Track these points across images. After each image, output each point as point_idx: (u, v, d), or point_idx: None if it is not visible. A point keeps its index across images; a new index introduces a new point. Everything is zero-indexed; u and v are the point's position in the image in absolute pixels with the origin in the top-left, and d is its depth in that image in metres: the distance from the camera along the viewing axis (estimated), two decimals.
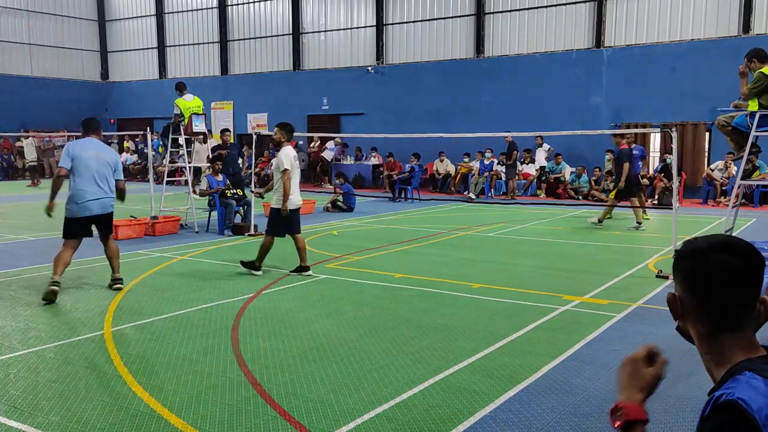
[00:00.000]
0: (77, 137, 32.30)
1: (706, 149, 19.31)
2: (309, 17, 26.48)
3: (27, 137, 27.10)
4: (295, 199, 8.46)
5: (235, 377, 4.82)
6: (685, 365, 5.03)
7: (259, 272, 8.52)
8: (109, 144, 31.80)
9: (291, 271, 8.54)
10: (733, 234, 8.49)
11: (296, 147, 25.22)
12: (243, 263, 8.62)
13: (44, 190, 22.34)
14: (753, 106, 7.18)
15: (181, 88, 13.09)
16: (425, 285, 7.93)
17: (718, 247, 1.54)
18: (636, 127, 19.06)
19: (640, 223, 12.93)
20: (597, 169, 18.94)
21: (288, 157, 8.36)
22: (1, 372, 5.00)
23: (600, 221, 13.10)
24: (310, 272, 8.47)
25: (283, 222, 8.42)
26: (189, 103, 12.91)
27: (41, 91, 29.80)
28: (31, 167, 26.67)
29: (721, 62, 18.20)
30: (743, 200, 14.28)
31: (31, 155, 26.95)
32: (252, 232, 11.90)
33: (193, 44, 29.90)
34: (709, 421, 1.41)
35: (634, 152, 13.49)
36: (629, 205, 13.17)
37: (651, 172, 19.23)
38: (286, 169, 8.26)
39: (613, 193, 13.26)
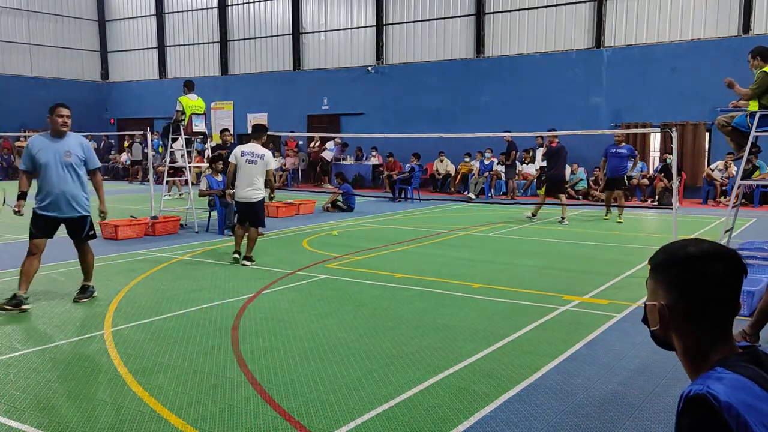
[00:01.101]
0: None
1: (706, 149, 19.31)
2: (309, 17, 26.49)
3: None
4: (239, 192, 9.23)
5: (235, 377, 4.82)
6: None
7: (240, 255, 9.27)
8: (110, 144, 31.85)
9: (242, 264, 9.15)
10: (733, 234, 8.50)
11: (296, 147, 25.37)
12: (244, 265, 9.10)
13: None
14: (753, 106, 7.18)
15: (189, 86, 13.20)
16: (425, 285, 7.93)
17: (711, 256, 1.56)
18: (636, 127, 19.07)
19: (564, 218, 13.96)
20: (597, 169, 18.95)
21: (234, 153, 9.41)
22: (1, 372, 5.00)
23: (534, 215, 14.40)
24: (254, 262, 9.18)
25: (237, 211, 9.51)
26: (192, 102, 12.99)
27: (41, 91, 29.78)
28: None
29: (721, 62, 18.19)
30: (743, 200, 14.27)
31: None
32: None
33: (193, 44, 29.91)
34: (683, 418, 1.44)
35: (621, 151, 13.88)
36: (558, 202, 14.10)
37: (651, 172, 19.25)
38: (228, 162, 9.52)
39: (542, 190, 14.21)
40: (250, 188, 9.13)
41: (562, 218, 13.88)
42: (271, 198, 9.58)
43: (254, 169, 9.14)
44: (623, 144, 14.05)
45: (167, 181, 14.31)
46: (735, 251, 1.57)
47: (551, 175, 13.96)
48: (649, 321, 1.66)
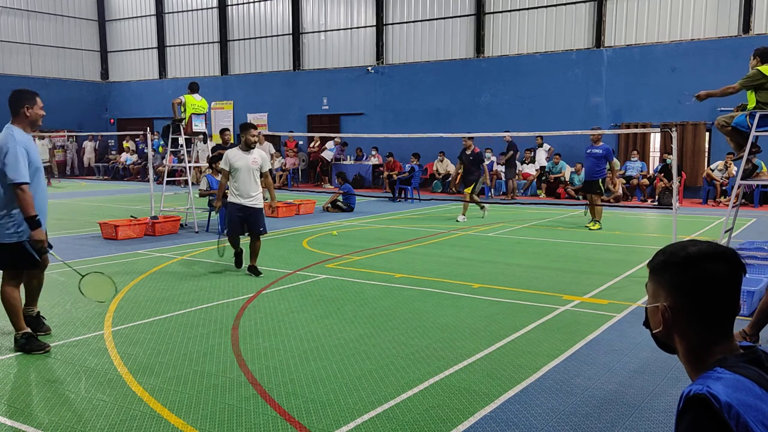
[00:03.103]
0: (77, 137, 31.92)
1: (706, 149, 19.31)
2: (309, 17, 26.49)
3: (42, 137, 26.98)
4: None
5: (235, 377, 4.82)
6: None
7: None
8: (108, 144, 31.81)
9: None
10: (733, 234, 8.50)
11: (296, 147, 25.38)
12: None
13: (53, 190, 22.43)
14: (751, 100, 7.20)
15: (193, 87, 13.25)
16: (425, 285, 7.93)
17: (710, 255, 1.56)
18: (636, 127, 19.08)
19: (464, 216, 14.44)
20: None
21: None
22: (1, 372, 5.00)
23: (463, 215, 14.41)
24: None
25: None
26: (196, 101, 13.04)
27: (41, 91, 28.91)
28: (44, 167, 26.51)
29: (721, 62, 18.21)
30: (743, 200, 14.26)
31: (44, 155, 26.65)
32: None
33: (193, 44, 29.91)
34: (683, 417, 1.44)
35: (596, 151, 12.81)
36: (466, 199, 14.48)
37: (651, 172, 19.25)
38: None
39: (469, 189, 14.47)
40: None
41: (463, 215, 14.46)
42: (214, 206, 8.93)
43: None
44: (600, 144, 12.87)
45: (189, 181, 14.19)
46: (733, 250, 1.58)
47: (477, 177, 14.50)
48: (651, 324, 1.66)
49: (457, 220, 14.23)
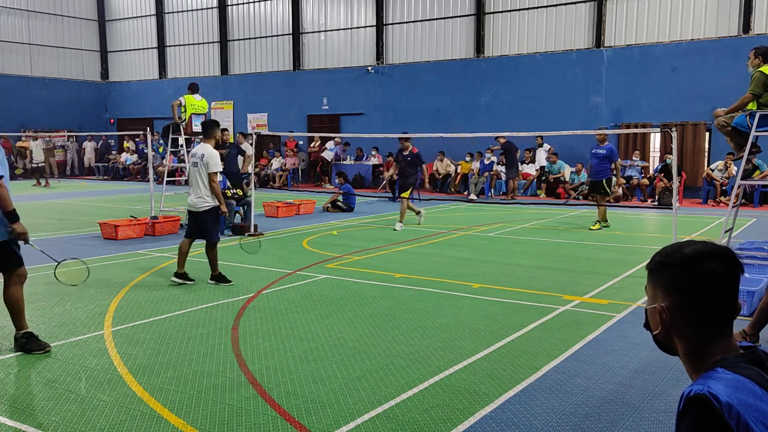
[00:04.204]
0: (77, 137, 31.85)
1: (706, 149, 19.31)
2: (309, 17, 26.49)
3: (36, 138, 26.93)
4: (188, 199, 8.24)
5: (235, 377, 4.82)
6: None
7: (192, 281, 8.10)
8: (108, 144, 31.80)
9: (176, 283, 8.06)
10: (733, 234, 8.50)
11: (296, 147, 25.38)
12: (209, 283, 8.12)
13: (53, 190, 22.45)
14: (752, 105, 7.19)
15: (193, 88, 13.23)
16: (425, 285, 7.93)
17: (706, 255, 1.56)
18: (636, 127, 19.08)
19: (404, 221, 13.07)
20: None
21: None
22: (1, 372, 5.00)
23: (400, 222, 12.97)
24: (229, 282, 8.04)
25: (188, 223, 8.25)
26: (195, 101, 13.03)
27: (41, 91, 29.81)
28: (38, 168, 26.49)
29: (721, 62, 18.22)
30: (743, 200, 14.25)
31: (39, 156, 26.61)
32: (252, 231, 11.91)
33: (193, 44, 29.91)
34: (683, 418, 1.44)
35: (600, 151, 12.69)
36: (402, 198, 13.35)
37: (651, 172, 19.25)
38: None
39: (406, 194, 13.12)
40: (193, 195, 8.02)
41: (417, 215, 13.61)
42: (221, 213, 8.11)
43: (196, 173, 7.99)
44: (605, 144, 12.89)
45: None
46: (728, 249, 1.58)
47: (414, 180, 13.36)
48: (651, 325, 1.66)
49: (395, 229, 12.70)
